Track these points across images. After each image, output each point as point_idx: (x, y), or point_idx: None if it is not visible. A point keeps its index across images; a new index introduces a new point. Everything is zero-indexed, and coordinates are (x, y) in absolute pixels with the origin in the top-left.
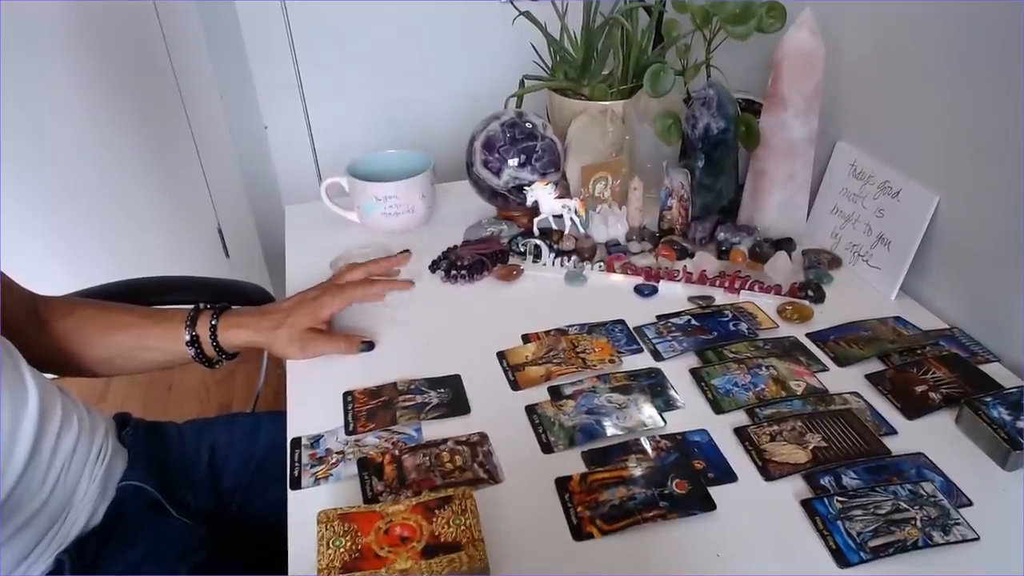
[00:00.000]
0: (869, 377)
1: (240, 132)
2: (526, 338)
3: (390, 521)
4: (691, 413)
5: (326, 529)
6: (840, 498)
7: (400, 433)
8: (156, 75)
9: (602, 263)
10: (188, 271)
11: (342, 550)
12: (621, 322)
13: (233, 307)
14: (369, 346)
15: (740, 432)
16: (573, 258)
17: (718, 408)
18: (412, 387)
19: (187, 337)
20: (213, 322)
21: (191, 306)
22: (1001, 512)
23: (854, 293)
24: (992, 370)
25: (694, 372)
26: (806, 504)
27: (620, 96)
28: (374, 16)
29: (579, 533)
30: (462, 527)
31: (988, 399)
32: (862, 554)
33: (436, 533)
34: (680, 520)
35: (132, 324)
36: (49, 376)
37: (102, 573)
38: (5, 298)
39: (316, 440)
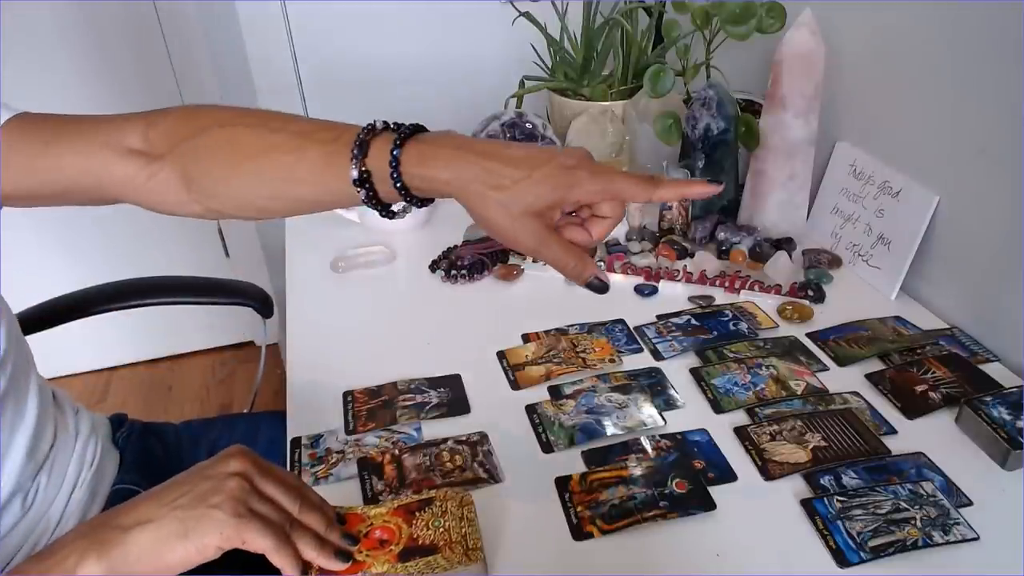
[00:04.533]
0: (869, 377)
1: None
2: (526, 338)
3: (371, 524)
4: (691, 413)
5: None
6: (840, 498)
7: (400, 433)
8: (156, 75)
9: (602, 263)
10: (188, 271)
11: None
12: (621, 322)
13: (427, 132)
14: (603, 287)
15: (740, 432)
16: None
17: (718, 408)
18: (412, 387)
19: (355, 175)
20: (395, 151)
21: (354, 126)
22: (1001, 512)
23: (854, 293)
24: (992, 370)
25: (694, 372)
26: (806, 504)
27: (620, 96)
28: (374, 16)
29: (579, 533)
30: (440, 529)
31: (988, 399)
32: (862, 554)
33: (415, 536)
34: (680, 520)
35: (278, 146)
36: (47, 376)
37: None
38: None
39: (316, 440)
